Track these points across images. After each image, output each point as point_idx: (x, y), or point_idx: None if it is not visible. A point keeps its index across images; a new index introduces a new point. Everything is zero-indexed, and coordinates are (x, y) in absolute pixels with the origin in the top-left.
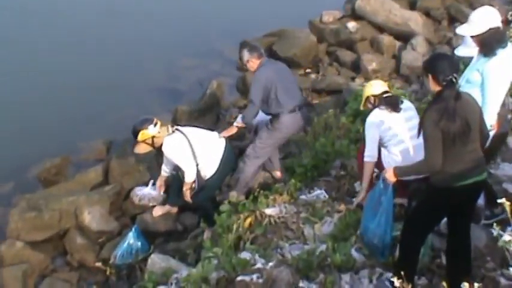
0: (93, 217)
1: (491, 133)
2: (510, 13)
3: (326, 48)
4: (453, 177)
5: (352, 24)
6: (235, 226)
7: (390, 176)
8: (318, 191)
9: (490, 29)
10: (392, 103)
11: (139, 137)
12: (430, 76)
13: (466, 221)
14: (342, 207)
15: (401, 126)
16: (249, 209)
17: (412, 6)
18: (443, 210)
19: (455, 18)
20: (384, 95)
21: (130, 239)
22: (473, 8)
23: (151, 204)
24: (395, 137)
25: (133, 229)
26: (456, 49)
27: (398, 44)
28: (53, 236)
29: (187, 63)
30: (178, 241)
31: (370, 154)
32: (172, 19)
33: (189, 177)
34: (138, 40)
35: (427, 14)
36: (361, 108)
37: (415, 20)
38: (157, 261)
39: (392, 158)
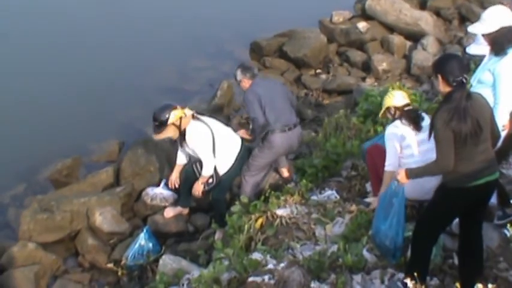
0: (104, 218)
1: (503, 133)
2: None
3: (336, 48)
4: (465, 178)
5: (362, 25)
6: (246, 227)
7: (402, 178)
8: (329, 192)
9: (502, 27)
10: (414, 119)
11: (172, 118)
12: (439, 77)
13: (478, 221)
14: (353, 207)
15: (419, 148)
16: (260, 210)
17: (423, 6)
18: (455, 211)
19: (466, 18)
20: (406, 108)
21: (142, 240)
22: (484, 8)
23: (162, 204)
24: (411, 157)
25: (144, 230)
26: (468, 47)
27: (408, 44)
28: (65, 237)
29: (198, 64)
30: (189, 242)
31: (391, 163)
32: (183, 21)
33: (208, 170)
34: (149, 41)
35: (437, 13)
36: (380, 116)
37: (425, 20)
38: (168, 262)
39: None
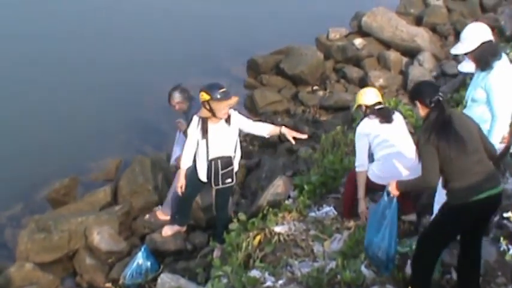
0: (102, 237)
1: (502, 146)
2: None
3: (333, 65)
4: (466, 192)
5: (358, 41)
6: (244, 244)
7: (393, 189)
8: (327, 208)
9: (482, 43)
10: (384, 115)
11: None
12: (418, 103)
13: (479, 238)
14: (351, 223)
15: (392, 133)
16: (258, 227)
17: (419, 22)
18: (458, 228)
19: None
20: (377, 107)
21: (140, 259)
22: None
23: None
24: (385, 141)
25: (142, 249)
26: (460, 66)
27: (405, 60)
28: (62, 257)
29: (196, 82)
30: (187, 260)
31: (361, 163)
32: (180, 38)
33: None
34: (146, 59)
35: (433, 29)
36: (353, 112)
37: (421, 36)
38: (167, 280)
39: (375, 165)
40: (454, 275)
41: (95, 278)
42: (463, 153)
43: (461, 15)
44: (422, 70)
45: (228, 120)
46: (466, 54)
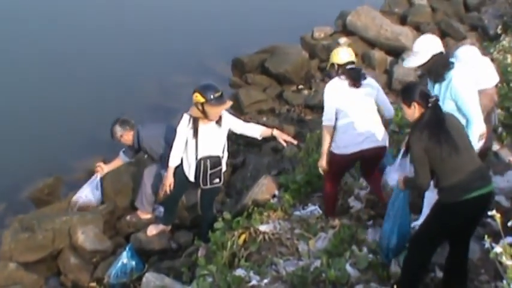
0: (86, 237)
1: (481, 143)
2: (499, 27)
3: (318, 64)
4: (458, 191)
5: (343, 40)
6: (229, 243)
7: (400, 182)
8: (312, 207)
9: (433, 56)
10: (354, 76)
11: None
12: (415, 104)
13: (469, 238)
14: (336, 222)
15: (357, 102)
16: (243, 226)
17: (403, 21)
18: (449, 227)
19: (446, 33)
20: (348, 66)
21: (124, 258)
22: (463, 23)
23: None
24: (347, 110)
25: (127, 248)
26: (404, 62)
27: (389, 58)
28: (47, 256)
29: (180, 81)
30: (172, 259)
31: (328, 118)
32: (165, 37)
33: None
34: (130, 57)
35: (417, 28)
36: (327, 70)
37: (405, 35)
38: (151, 279)
39: (337, 136)
40: (438, 273)
41: (80, 278)
42: (455, 152)
43: (445, 15)
44: (407, 69)
45: (219, 121)
46: (419, 67)
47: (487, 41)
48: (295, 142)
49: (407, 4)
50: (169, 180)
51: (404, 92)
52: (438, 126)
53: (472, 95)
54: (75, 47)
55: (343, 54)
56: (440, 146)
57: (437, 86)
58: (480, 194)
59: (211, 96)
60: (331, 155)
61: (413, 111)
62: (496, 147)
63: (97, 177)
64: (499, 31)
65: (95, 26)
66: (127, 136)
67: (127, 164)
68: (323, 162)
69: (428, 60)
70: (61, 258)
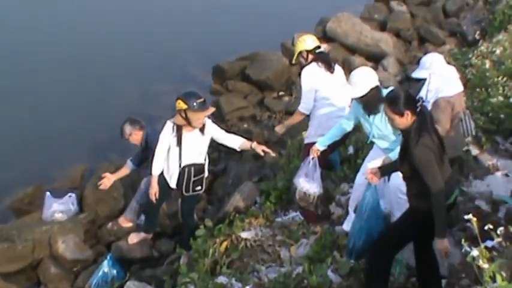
0: (67, 246)
1: None
2: (478, 32)
3: (299, 70)
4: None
5: (323, 46)
6: (211, 251)
7: (368, 174)
8: (293, 213)
9: (371, 89)
10: (326, 60)
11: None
12: (408, 113)
13: (431, 242)
14: (318, 228)
15: (336, 88)
16: (225, 233)
17: (383, 28)
18: (422, 232)
19: (425, 39)
20: (317, 51)
21: (105, 267)
22: (442, 29)
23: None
24: (328, 95)
25: (108, 257)
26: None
27: (369, 64)
28: (26, 266)
29: (161, 89)
30: (154, 267)
31: (306, 107)
32: (145, 45)
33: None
34: (111, 65)
35: (397, 35)
36: (293, 62)
37: (385, 41)
38: None
39: (319, 124)
40: None
41: (60, 287)
42: (445, 157)
43: (424, 21)
44: (387, 75)
45: (202, 128)
46: (356, 99)
47: (465, 46)
48: (273, 154)
49: (387, 10)
50: (154, 189)
51: (393, 103)
52: (434, 130)
53: None
54: (57, 53)
55: (310, 40)
56: (438, 150)
57: (371, 117)
58: (455, 197)
59: (194, 103)
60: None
61: (407, 120)
62: (475, 151)
63: (72, 194)
64: (477, 37)
65: (79, 36)
66: (136, 135)
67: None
68: (279, 128)
69: (367, 93)
70: (41, 268)
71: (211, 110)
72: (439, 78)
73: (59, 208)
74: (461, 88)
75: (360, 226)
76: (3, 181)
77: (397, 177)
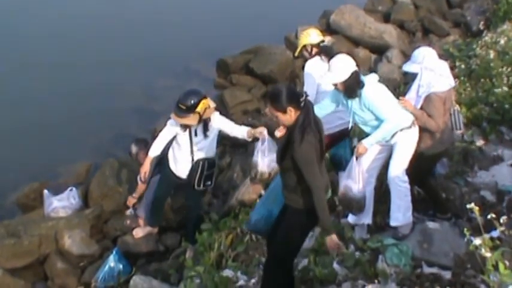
0: (73, 241)
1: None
2: (482, 23)
3: (302, 63)
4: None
5: (327, 39)
6: (216, 244)
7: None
8: None
9: (351, 73)
10: (330, 54)
11: (200, 107)
12: (291, 109)
13: None
14: None
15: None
16: (230, 227)
17: (386, 19)
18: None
19: (429, 30)
20: (321, 44)
21: (111, 261)
22: (446, 20)
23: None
24: (325, 93)
25: (114, 251)
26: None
27: (373, 56)
28: (33, 262)
29: (165, 84)
30: (160, 261)
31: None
32: (148, 39)
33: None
34: (115, 61)
35: (401, 26)
36: (296, 55)
37: (389, 33)
38: (139, 282)
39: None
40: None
41: (67, 282)
42: (323, 152)
43: (428, 12)
44: (391, 66)
45: (206, 123)
46: (337, 84)
47: (469, 37)
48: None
49: (391, 2)
50: (145, 168)
51: (274, 100)
52: (316, 124)
53: (382, 101)
54: (60, 52)
55: (314, 34)
56: (320, 145)
57: (352, 101)
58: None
59: (176, 106)
60: None
61: (290, 116)
62: (480, 142)
63: (72, 188)
64: (481, 27)
65: (83, 32)
66: (142, 154)
67: (112, 167)
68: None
69: (348, 78)
70: (48, 263)
71: (189, 120)
72: (431, 73)
73: (59, 204)
74: (452, 83)
75: (262, 203)
76: (9, 177)
77: (397, 167)
